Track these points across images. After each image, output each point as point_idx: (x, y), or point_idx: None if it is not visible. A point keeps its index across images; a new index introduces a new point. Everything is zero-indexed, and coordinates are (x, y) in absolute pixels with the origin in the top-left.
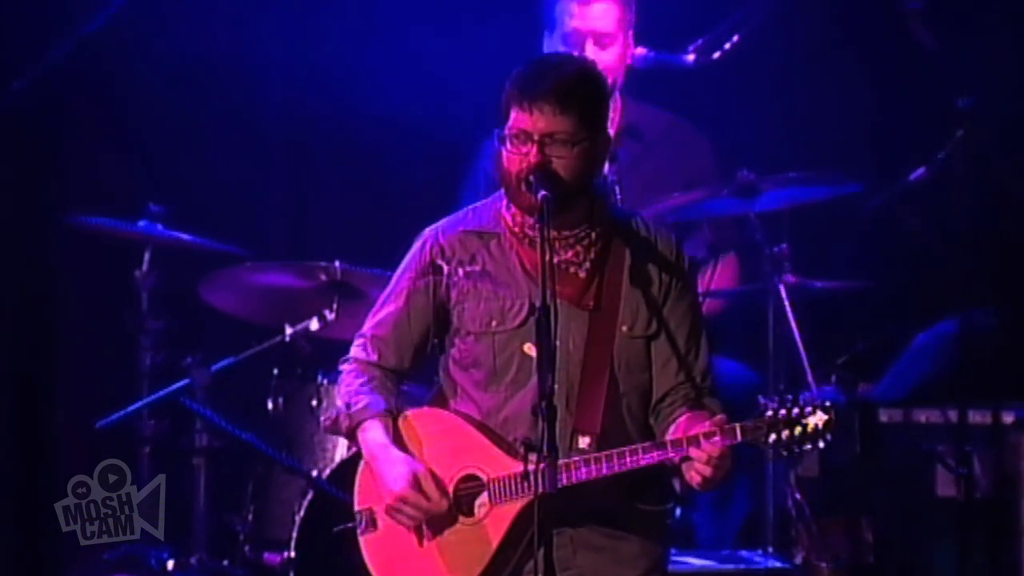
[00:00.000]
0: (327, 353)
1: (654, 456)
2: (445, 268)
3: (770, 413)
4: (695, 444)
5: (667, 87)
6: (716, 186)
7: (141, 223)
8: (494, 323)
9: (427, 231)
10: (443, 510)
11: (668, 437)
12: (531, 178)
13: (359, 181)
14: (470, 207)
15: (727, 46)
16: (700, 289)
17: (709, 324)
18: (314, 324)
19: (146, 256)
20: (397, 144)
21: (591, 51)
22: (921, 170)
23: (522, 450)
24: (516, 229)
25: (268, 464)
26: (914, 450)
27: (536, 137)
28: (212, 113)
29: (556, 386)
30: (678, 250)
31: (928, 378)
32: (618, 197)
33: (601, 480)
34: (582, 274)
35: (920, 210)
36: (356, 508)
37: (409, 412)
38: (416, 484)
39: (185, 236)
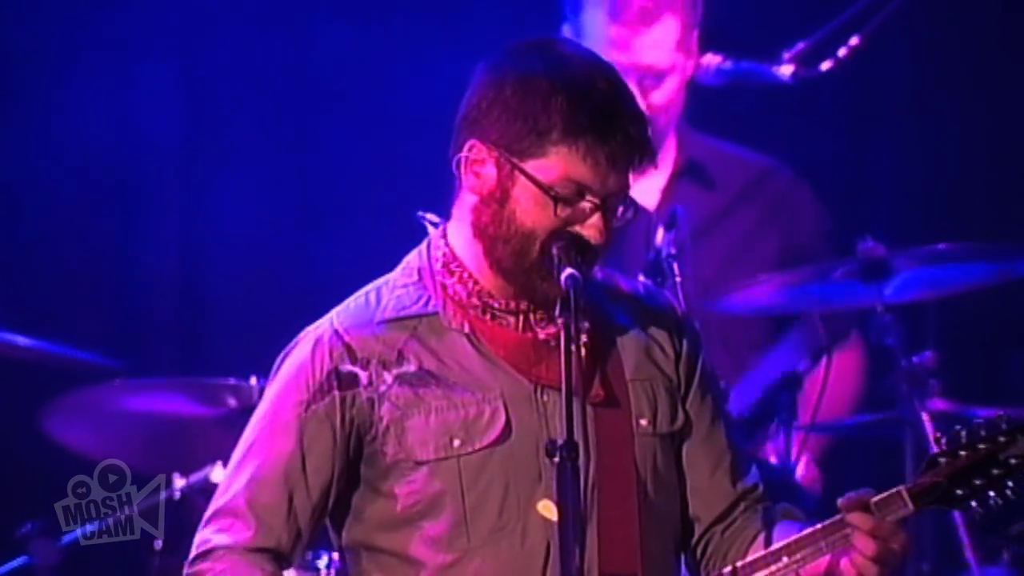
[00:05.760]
0: None
1: (782, 566)
2: (362, 376)
3: (944, 460)
4: (836, 530)
5: (747, 113)
6: (827, 261)
7: None
8: (456, 442)
9: (311, 330)
10: None
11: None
12: (554, 250)
13: (277, 263)
14: (369, 288)
15: (841, 53)
16: (805, 414)
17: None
18: (217, 472)
19: None
20: (326, 207)
21: (635, 89)
22: None
23: None
24: (470, 299)
25: None
26: None
27: (599, 202)
28: (65, 164)
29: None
30: (684, 315)
31: None
32: (677, 279)
33: None
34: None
35: None
36: None
37: None
38: None
39: (21, 339)
